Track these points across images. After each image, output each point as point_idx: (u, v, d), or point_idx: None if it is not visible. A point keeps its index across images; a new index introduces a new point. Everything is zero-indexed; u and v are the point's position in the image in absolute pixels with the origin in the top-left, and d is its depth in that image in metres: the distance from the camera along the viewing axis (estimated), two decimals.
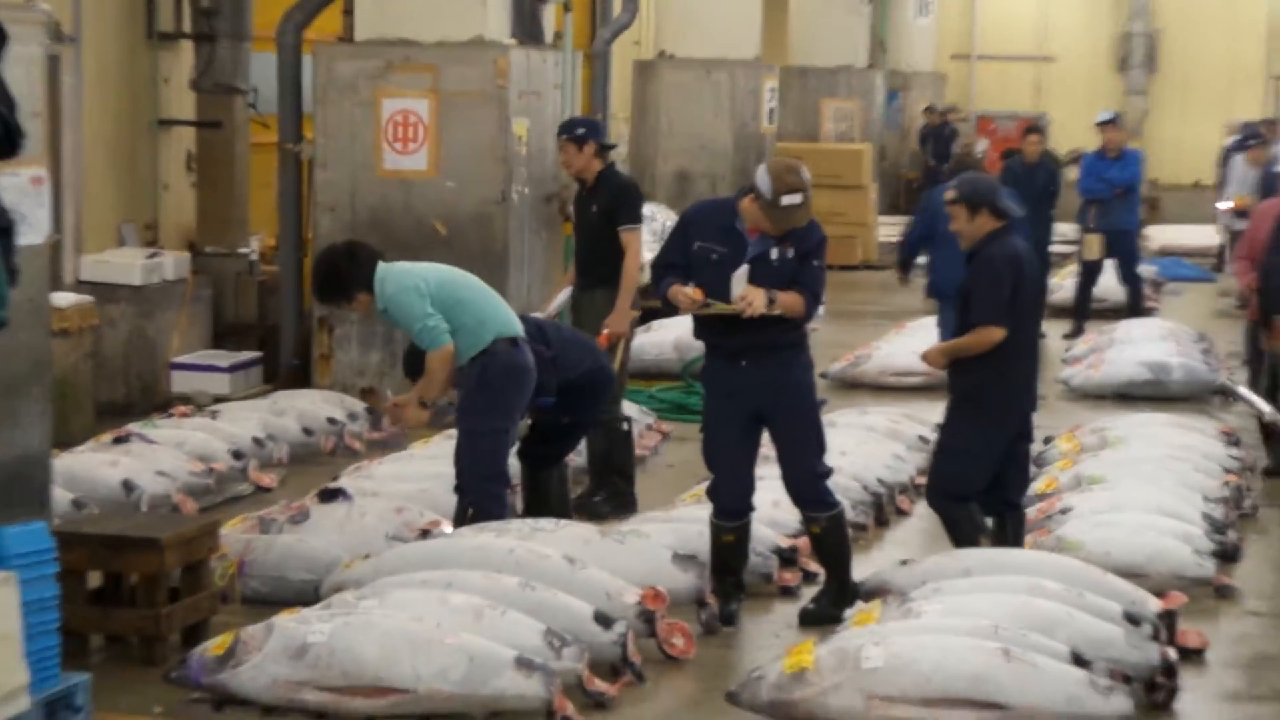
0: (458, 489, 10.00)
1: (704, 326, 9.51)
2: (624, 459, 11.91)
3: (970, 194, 9.72)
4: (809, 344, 9.66)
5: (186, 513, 11.26)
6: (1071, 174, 21.48)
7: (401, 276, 9.95)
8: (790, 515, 10.20)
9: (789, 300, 9.25)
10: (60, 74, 14.66)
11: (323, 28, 16.01)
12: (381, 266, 9.95)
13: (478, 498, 9.92)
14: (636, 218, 12.05)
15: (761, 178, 9.27)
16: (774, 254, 9.31)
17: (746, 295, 9.18)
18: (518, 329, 10.10)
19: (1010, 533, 9.85)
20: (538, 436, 10.66)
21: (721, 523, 9.60)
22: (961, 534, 9.74)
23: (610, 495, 11.73)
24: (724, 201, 9.70)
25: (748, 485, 9.59)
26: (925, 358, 10.08)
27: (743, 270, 9.26)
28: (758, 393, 9.41)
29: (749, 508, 9.63)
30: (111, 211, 15.97)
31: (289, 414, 13.55)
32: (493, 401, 9.94)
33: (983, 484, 9.74)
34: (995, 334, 9.59)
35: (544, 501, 10.75)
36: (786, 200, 9.20)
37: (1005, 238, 9.74)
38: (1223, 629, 9.67)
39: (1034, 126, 21.39)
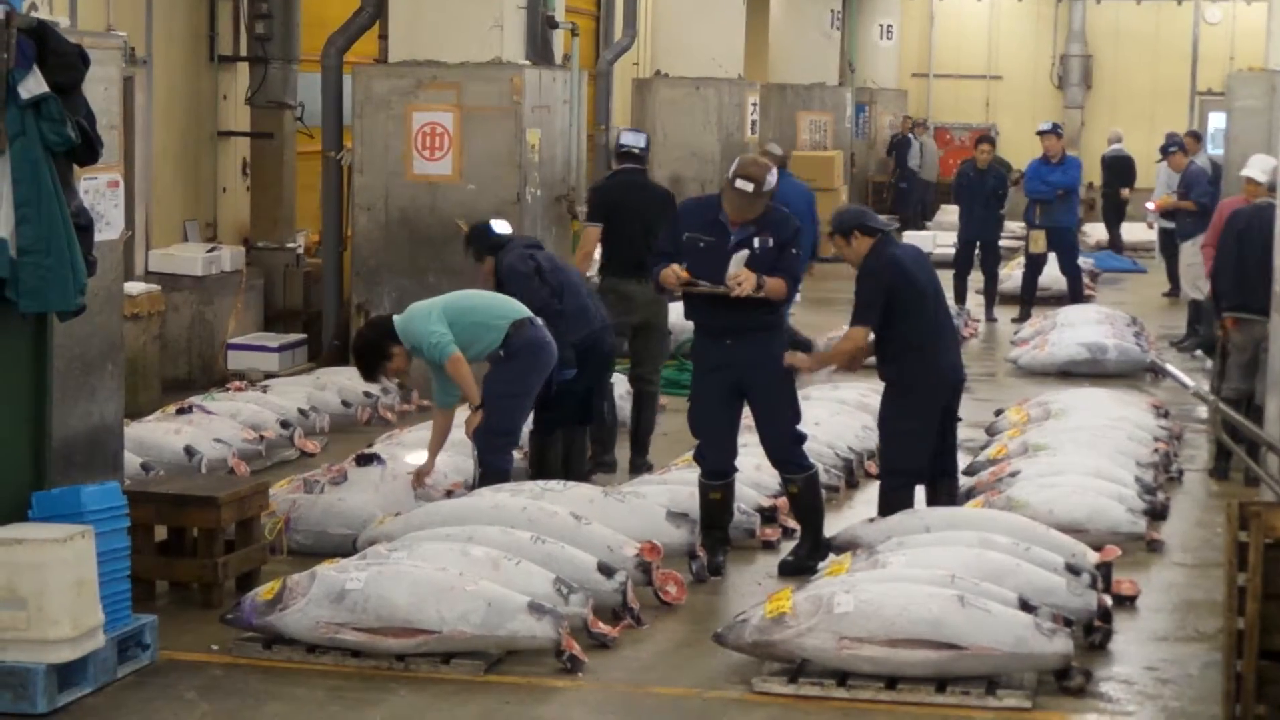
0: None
1: (695, 308, 9.50)
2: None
3: (837, 224, 9.59)
4: (784, 326, 9.65)
5: (240, 475, 11.23)
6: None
7: (411, 312, 10.02)
8: (771, 477, 10.18)
9: (774, 284, 9.25)
10: (134, 92, 14.63)
11: (361, 51, 15.98)
12: (396, 319, 10.00)
13: (484, 451, 9.91)
14: (590, 216, 12.52)
15: (733, 163, 9.41)
16: (755, 242, 9.28)
17: (739, 276, 9.17)
18: (528, 312, 10.09)
19: (944, 498, 9.75)
20: (541, 403, 10.52)
21: (709, 482, 9.59)
22: (895, 506, 9.57)
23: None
24: (709, 197, 9.72)
25: (731, 448, 9.57)
26: (797, 362, 9.58)
27: (742, 254, 9.24)
28: (740, 367, 9.39)
29: (732, 469, 9.61)
30: (177, 211, 15.93)
31: (330, 388, 13.53)
32: (512, 372, 9.94)
33: (927, 458, 9.58)
34: (861, 335, 9.47)
35: (543, 464, 10.71)
36: (739, 184, 9.24)
37: (882, 249, 9.57)
38: (1153, 578, 9.64)
39: (984, 137, 21.42)
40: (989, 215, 20.52)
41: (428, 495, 10.03)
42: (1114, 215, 27.82)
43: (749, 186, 9.23)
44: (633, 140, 12.68)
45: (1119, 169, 27.43)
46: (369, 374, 10.27)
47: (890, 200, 31.88)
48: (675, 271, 9.30)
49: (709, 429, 9.54)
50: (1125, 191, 26.70)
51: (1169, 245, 21.29)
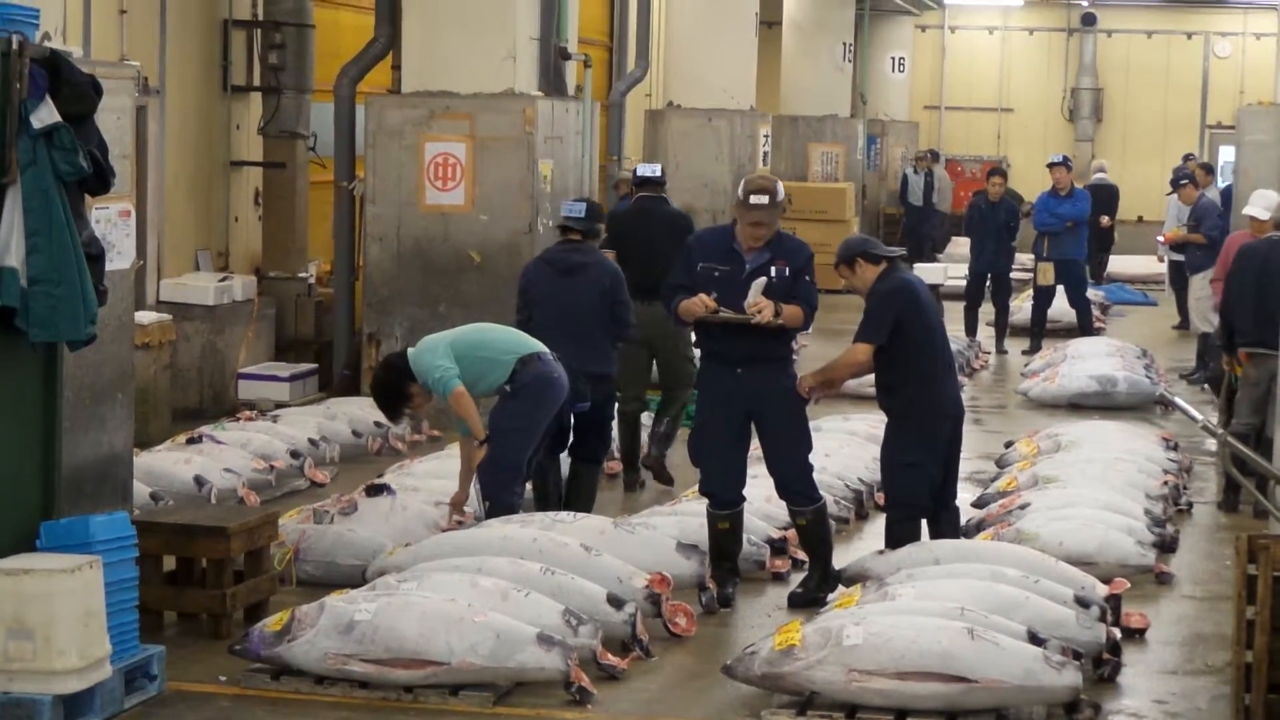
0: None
1: (708, 335, 9.46)
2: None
3: (843, 254, 9.53)
4: (795, 358, 9.64)
5: (250, 505, 11.20)
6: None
7: (421, 346, 10.00)
8: (781, 509, 10.14)
9: (791, 312, 9.26)
10: (147, 121, 14.64)
11: (374, 81, 16.00)
12: (410, 353, 9.98)
13: (490, 487, 9.88)
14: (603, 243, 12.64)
15: (740, 185, 9.41)
16: (772, 270, 9.27)
17: (759, 304, 9.16)
18: (539, 346, 10.05)
19: (947, 530, 9.69)
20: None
21: (717, 511, 9.56)
22: (904, 538, 9.53)
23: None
24: (722, 228, 9.72)
25: (739, 478, 9.55)
26: (800, 382, 9.51)
27: (760, 282, 9.24)
28: (752, 396, 9.37)
29: (740, 498, 9.59)
30: (189, 240, 15.93)
31: (341, 418, 13.52)
32: (518, 407, 9.90)
33: (931, 490, 9.50)
34: (865, 352, 9.41)
35: (544, 493, 10.72)
36: (754, 200, 9.24)
37: (891, 275, 9.54)
38: (1162, 611, 9.60)
39: (996, 169, 21.44)
40: (1001, 248, 20.51)
41: (437, 524, 10.03)
42: (1097, 244, 27.80)
43: (764, 199, 9.24)
44: (646, 169, 13.20)
45: (1102, 198, 27.39)
46: (393, 416, 10.33)
47: (900, 234, 31.85)
48: (704, 301, 9.27)
49: (715, 458, 9.51)
50: (1105, 220, 26.65)
51: (1179, 278, 21.26)
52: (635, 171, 13.37)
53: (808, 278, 9.43)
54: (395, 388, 9.96)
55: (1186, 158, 21.56)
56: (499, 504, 9.85)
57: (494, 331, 10.23)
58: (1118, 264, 29.20)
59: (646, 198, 12.98)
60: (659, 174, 13.15)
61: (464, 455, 10.12)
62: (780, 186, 9.40)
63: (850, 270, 9.53)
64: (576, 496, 10.81)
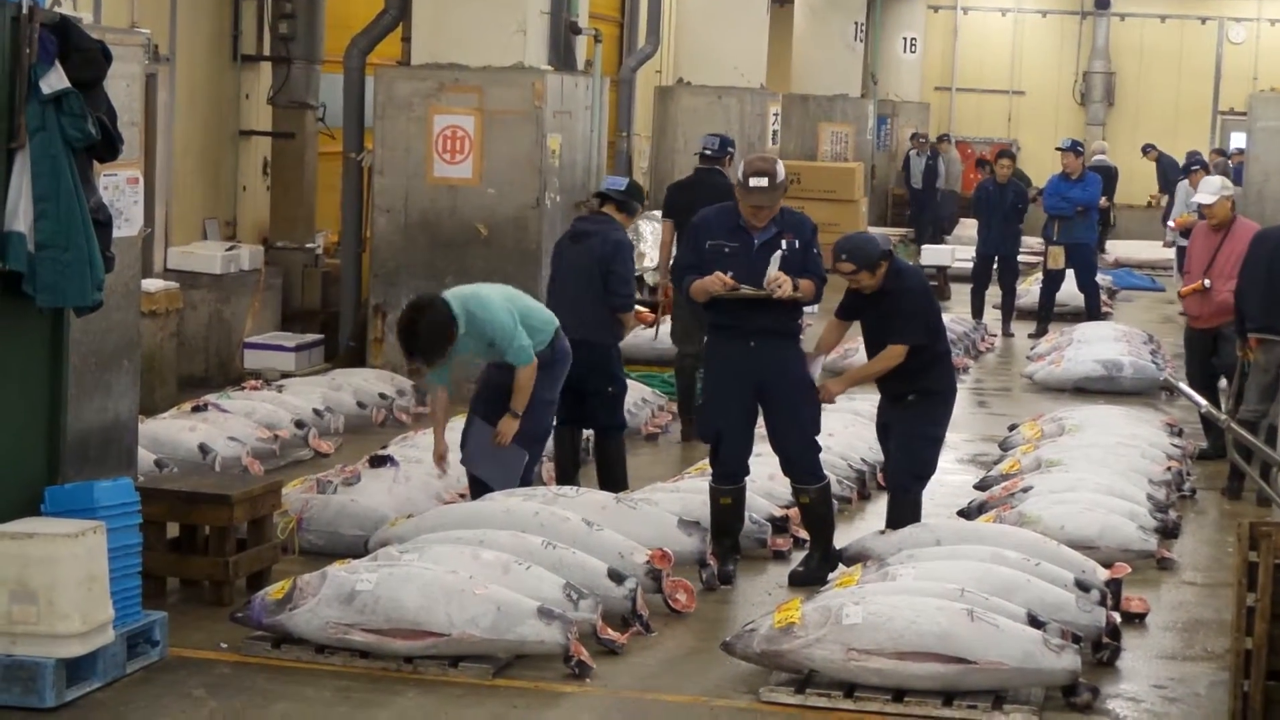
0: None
1: (721, 310, 9.44)
2: None
3: (869, 259, 9.47)
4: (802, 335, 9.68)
5: (254, 474, 11.23)
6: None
7: (479, 299, 9.65)
8: (783, 487, 10.17)
9: (805, 286, 9.31)
10: (156, 89, 14.66)
11: (384, 53, 16.00)
12: (454, 301, 9.56)
13: (521, 461, 9.90)
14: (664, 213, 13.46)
15: (740, 167, 9.40)
16: (783, 244, 9.30)
17: (778, 278, 9.18)
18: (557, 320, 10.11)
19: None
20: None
21: (720, 486, 9.59)
22: (913, 515, 9.65)
23: None
24: (725, 205, 9.69)
25: (745, 451, 9.58)
26: (828, 389, 9.60)
27: (777, 256, 9.25)
28: (763, 370, 9.39)
29: (745, 471, 9.61)
30: (197, 209, 15.96)
31: (345, 389, 13.54)
32: (550, 377, 9.93)
33: None
34: (903, 352, 9.50)
35: (564, 468, 10.85)
36: (754, 182, 9.25)
37: (905, 269, 9.77)
38: (1163, 596, 9.62)
39: (1005, 152, 21.50)
40: (1008, 230, 20.52)
41: (440, 496, 10.06)
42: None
43: (764, 181, 9.25)
44: (706, 141, 13.95)
45: (1103, 179, 27.41)
46: (437, 357, 9.51)
47: (910, 214, 31.83)
48: (721, 278, 9.27)
49: (727, 429, 9.52)
50: (1103, 200, 26.62)
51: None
52: (701, 142, 14.17)
53: (815, 250, 9.47)
54: (446, 329, 9.41)
55: (1191, 155, 21.52)
56: (528, 479, 9.89)
57: (526, 298, 10.10)
58: (1126, 249, 29.20)
59: (704, 170, 13.61)
60: (718, 147, 13.74)
61: (440, 406, 10.02)
62: (780, 167, 9.39)
63: (872, 274, 9.52)
64: (601, 468, 10.94)
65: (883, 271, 9.52)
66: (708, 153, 13.76)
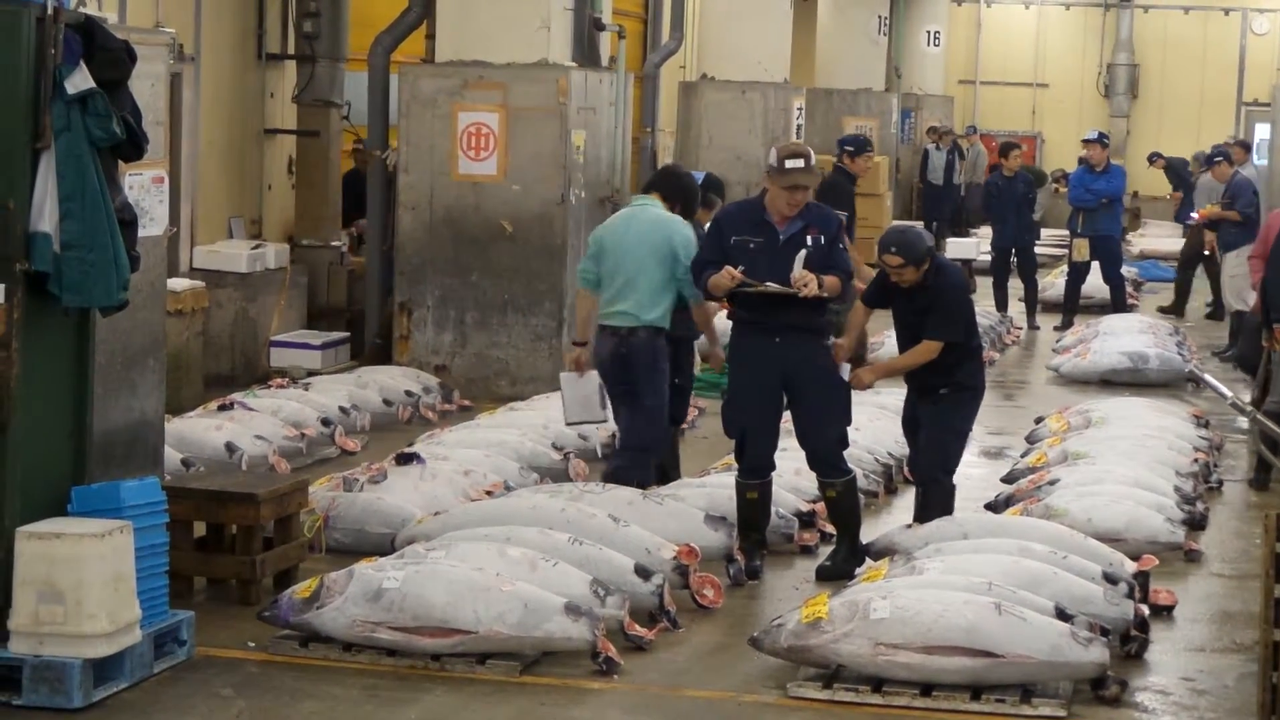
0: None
1: (746, 305, 9.41)
2: None
3: (918, 254, 9.43)
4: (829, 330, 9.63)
5: (280, 472, 11.23)
6: (1060, 187, 21.48)
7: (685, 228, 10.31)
8: (810, 482, 10.13)
9: (831, 282, 9.26)
10: (181, 89, 14.66)
11: (408, 50, 16.01)
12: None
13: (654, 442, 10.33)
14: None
15: (770, 153, 9.36)
16: (809, 240, 9.25)
17: (804, 277, 9.13)
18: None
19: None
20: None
21: (746, 481, 9.56)
22: (947, 504, 9.63)
23: None
24: (751, 200, 9.68)
25: (771, 446, 9.55)
26: (860, 377, 9.63)
27: (801, 255, 9.21)
28: (789, 365, 9.35)
29: (771, 465, 9.58)
30: (222, 208, 15.98)
31: (371, 387, 13.55)
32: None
33: None
34: (938, 348, 9.51)
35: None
36: (790, 164, 9.21)
37: (946, 264, 9.82)
38: (1190, 589, 9.58)
39: (1012, 145, 21.54)
40: (1021, 222, 20.53)
41: (466, 494, 10.05)
42: None
43: (800, 163, 9.22)
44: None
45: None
46: (694, 211, 10.66)
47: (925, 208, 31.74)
48: (730, 273, 9.23)
49: (752, 425, 9.48)
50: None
51: (1208, 259, 21.14)
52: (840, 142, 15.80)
53: (840, 245, 9.43)
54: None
55: (1215, 147, 21.44)
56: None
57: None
58: (1149, 240, 29.13)
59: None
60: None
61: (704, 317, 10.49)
62: (812, 153, 9.38)
63: (917, 269, 9.49)
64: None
65: (926, 267, 9.50)
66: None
